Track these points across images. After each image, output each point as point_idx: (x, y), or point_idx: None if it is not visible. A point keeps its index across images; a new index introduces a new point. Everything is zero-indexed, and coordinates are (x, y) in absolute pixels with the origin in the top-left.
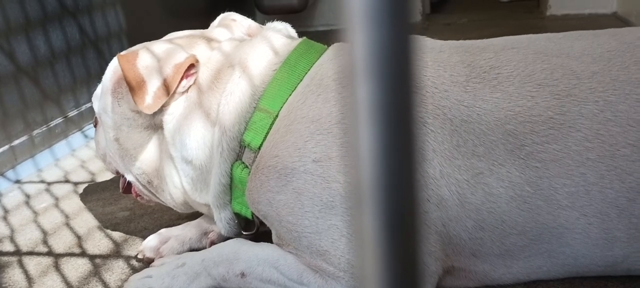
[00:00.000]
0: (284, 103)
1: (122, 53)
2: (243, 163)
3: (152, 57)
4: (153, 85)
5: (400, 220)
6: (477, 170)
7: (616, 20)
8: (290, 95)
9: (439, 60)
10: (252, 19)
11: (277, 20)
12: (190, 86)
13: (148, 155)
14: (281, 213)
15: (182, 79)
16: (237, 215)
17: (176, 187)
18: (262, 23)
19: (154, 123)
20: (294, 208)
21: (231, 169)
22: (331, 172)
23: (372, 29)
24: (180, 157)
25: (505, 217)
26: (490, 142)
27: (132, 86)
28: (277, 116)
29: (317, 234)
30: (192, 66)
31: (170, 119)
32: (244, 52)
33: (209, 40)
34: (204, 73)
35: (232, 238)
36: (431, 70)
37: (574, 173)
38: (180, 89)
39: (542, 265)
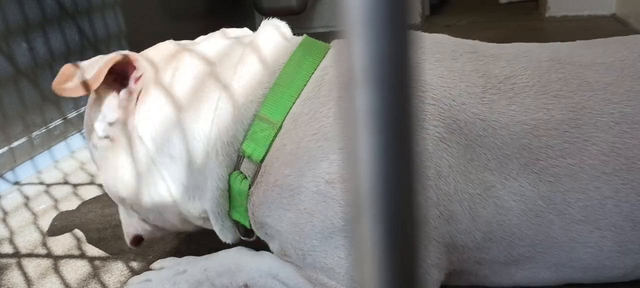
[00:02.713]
0: (287, 112)
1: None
2: (242, 173)
3: (96, 58)
4: (78, 78)
5: (400, 227)
6: (489, 184)
7: (615, 22)
8: (293, 102)
9: (454, 69)
10: (252, 21)
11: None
12: (151, 87)
13: (129, 175)
14: (289, 231)
15: (119, 87)
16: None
17: (164, 199)
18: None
19: (131, 140)
20: (303, 228)
21: (229, 178)
22: (344, 194)
23: (371, 35)
24: (169, 156)
25: (514, 230)
26: (504, 156)
27: (58, 79)
28: (280, 127)
29: (324, 253)
30: (132, 69)
31: (144, 125)
32: (240, 50)
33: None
34: (193, 69)
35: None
36: (448, 80)
37: (588, 187)
38: (133, 88)
39: (548, 279)
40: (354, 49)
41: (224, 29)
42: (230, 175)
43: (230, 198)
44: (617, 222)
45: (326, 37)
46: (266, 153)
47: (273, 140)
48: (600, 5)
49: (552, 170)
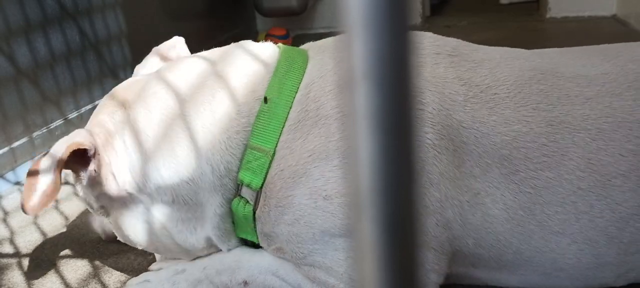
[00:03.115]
0: (278, 138)
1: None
2: (244, 198)
3: (51, 153)
4: (42, 185)
5: (399, 224)
6: (475, 191)
7: (616, 23)
8: (281, 128)
9: (437, 75)
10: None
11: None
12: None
13: (134, 233)
14: (292, 240)
15: (86, 163)
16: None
17: (168, 245)
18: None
19: (123, 201)
20: (304, 238)
21: (230, 205)
22: (342, 207)
23: (371, 35)
24: (161, 202)
25: (500, 237)
26: (486, 165)
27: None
28: (273, 154)
29: (323, 254)
30: (79, 151)
31: (128, 182)
32: (215, 81)
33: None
34: (164, 107)
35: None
36: (432, 85)
37: (565, 201)
38: (94, 174)
39: (541, 283)
40: (353, 49)
41: (157, 48)
42: (232, 201)
43: (235, 221)
44: (593, 237)
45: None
46: (264, 180)
47: (269, 167)
48: (601, 6)
49: (532, 182)
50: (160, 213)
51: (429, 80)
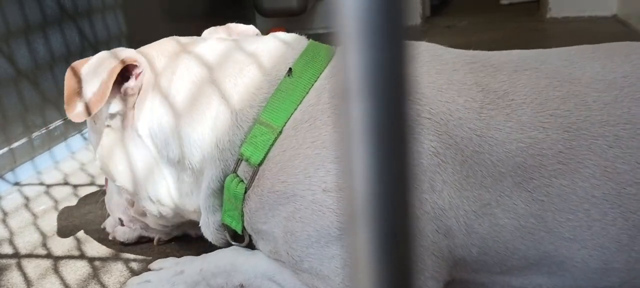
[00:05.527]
0: (289, 118)
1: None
2: (238, 177)
3: (95, 61)
4: (88, 91)
5: (395, 236)
6: (484, 201)
7: (616, 23)
8: (294, 109)
9: (454, 82)
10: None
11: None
12: (141, 87)
13: (125, 167)
14: (287, 239)
15: (120, 81)
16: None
17: (161, 198)
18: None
19: (128, 135)
20: (299, 237)
21: (224, 180)
22: (340, 203)
23: (367, 46)
24: (167, 158)
25: (508, 245)
26: (499, 174)
27: (66, 95)
28: (280, 132)
29: (320, 261)
30: (133, 67)
31: (142, 125)
32: (241, 56)
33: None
34: (194, 72)
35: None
36: (446, 94)
37: (578, 209)
38: (129, 92)
39: (542, 284)
40: (349, 60)
41: (229, 25)
42: (226, 178)
43: (223, 201)
44: (604, 243)
45: (327, 38)
46: (265, 157)
47: (272, 145)
48: (602, 6)
49: (545, 190)
50: (165, 168)
51: (443, 88)
